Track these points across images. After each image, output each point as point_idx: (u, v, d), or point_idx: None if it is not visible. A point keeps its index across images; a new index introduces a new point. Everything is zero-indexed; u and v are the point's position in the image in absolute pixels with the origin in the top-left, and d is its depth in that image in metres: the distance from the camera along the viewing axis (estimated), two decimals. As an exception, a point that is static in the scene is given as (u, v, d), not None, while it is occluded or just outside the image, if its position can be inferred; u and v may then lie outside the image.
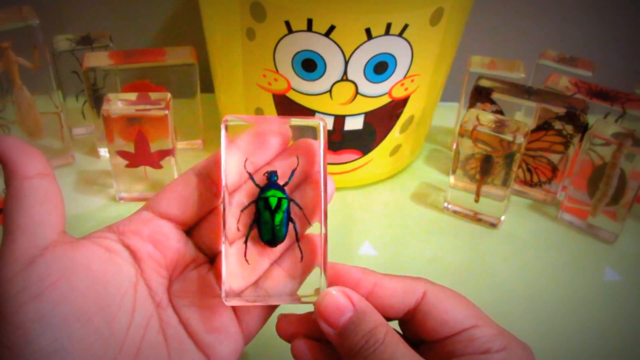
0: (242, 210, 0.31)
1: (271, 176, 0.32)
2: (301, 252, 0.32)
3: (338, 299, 0.29)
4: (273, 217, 0.31)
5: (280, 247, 0.32)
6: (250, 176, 0.32)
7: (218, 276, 0.32)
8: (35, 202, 0.28)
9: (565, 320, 0.47)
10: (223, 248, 0.31)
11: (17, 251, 0.27)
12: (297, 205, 0.32)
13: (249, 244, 0.31)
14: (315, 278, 0.31)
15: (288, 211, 0.31)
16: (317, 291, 0.31)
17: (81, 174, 0.60)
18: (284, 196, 0.31)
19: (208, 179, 0.32)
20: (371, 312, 0.30)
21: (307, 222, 0.32)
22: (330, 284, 0.31)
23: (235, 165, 0.32)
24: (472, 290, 0.49)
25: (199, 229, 0.33)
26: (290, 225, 0.32)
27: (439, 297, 0.31)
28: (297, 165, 0.32)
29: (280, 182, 0.32)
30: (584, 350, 0.45)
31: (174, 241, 0.32)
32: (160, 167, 0.55)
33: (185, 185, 0.32)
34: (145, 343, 0.30)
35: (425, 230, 0.56)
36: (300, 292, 0.32)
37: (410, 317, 0.31)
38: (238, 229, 0.31)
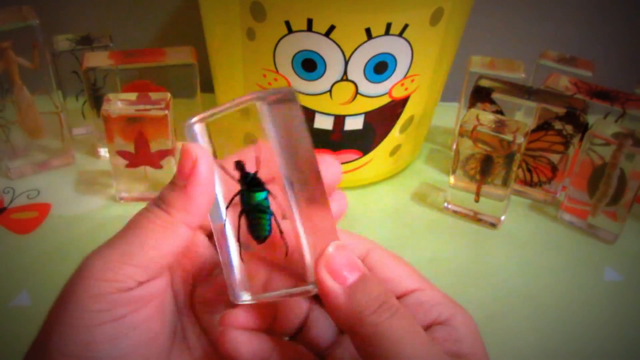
0: (240, 212, 0.29)
1: (243, 168, 0.28)
2: (286, 244, 0.29)
3: (351, 254, 0.26)
4: (260, 211, 0.29)
5: (269, 242, 0.29)
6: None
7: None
8: (178, 249, 0.27)
9: (565, 320, 0.47)
10: (228, 250, 0.30)
11: (121, 275, 0.25)
12: (273, 195, 0.28)
13: (241, 243, 0.30)
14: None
15: (268, 204, 0.29)
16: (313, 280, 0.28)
17: (81, 174, 0.60)
18: (265, 189, 0.28)
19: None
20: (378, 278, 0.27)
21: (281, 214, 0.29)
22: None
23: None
24: (472, 290, 0.50)
25: None
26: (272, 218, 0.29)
27: (382, 256, 0.30)
28: (260, 153, 0.28)
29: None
30: (584, 350, 0.45)
31: (201, 247, 0.31)
32: (160, 167, 0.55)
33: None
34: (173, 356, 0.29)
35: (425, 230, 0.55)
36: (298, 283, 0.29)
37: None
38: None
